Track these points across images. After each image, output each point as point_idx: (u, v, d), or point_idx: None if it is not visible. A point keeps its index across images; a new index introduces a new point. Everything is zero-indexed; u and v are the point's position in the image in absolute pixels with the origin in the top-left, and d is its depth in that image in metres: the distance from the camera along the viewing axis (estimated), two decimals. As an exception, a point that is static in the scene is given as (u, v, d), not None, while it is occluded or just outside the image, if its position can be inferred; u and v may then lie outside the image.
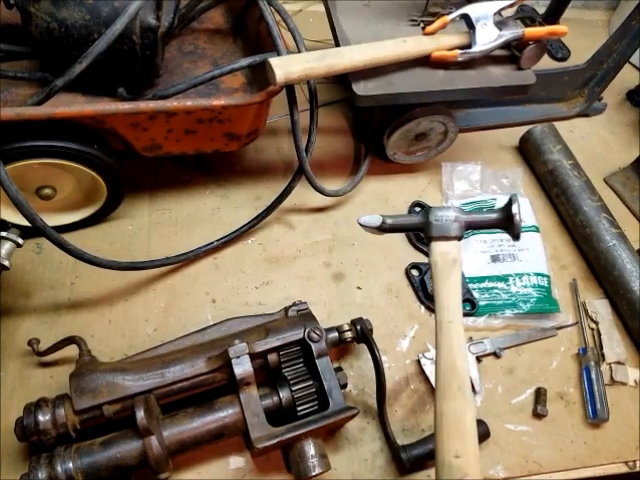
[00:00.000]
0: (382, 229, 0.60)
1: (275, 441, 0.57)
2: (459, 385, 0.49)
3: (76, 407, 0.56)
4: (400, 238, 0.87)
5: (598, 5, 1.35)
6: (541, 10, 1.13)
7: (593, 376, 0.76)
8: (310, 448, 0.59)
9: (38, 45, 0.71)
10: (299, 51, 0.75)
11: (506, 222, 0.59)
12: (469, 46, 0.77)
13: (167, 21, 0.77)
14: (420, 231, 0.60)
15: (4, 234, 0.62)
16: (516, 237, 0.59)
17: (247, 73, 0.87)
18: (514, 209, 0.57)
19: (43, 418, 0.55)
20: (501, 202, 0.91)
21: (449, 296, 0.54)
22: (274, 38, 0.72)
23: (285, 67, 0.66)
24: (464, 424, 0.47)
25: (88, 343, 0.64)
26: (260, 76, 0.84)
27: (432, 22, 0.77)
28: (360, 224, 0.60)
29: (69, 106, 0.63)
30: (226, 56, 0.90)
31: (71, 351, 0.64)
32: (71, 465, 0.54)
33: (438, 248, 0.56)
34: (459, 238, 0.57)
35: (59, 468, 0.53)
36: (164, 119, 0.68)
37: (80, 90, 0.76)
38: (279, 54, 0.71)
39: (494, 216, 0.59)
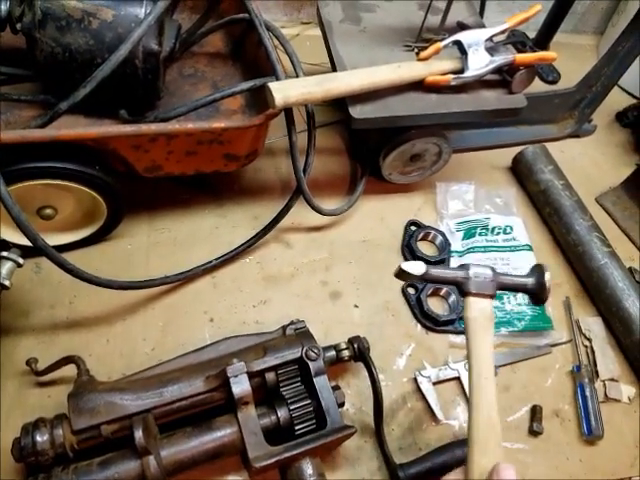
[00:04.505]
0: (424, 278, 0.59)
1: (273, 460, 0.58)
2: (497, 442, 0.51)
3: (74, 427, 0.56)
4: (396, 257, 0.89)
5: (587, 30, 1.39)
6: (532, 34, 1.16)
7: (587, 393, 0.77)
8: (308, 467, 0.60)
9: (42, 69, 0.73)
10: (297, 75, 0.77)
11: (538, 289, 0.59)
12: (462, 71, 0.79)
13: (168, 46, 0.79)
14: (457, 285, 0.59)
15: (5, 254, 0.62)
16: (542, 302, 0.60)
17: (246, 95, 0.89)
18: (547, 278, 0.58)
19: (41, 438, 0.55)
20: (495, 221, 0.92)
21: (487, 352, 0.55)
22: (273, 63, 0.74)
23: (284, 91, 0.67)
24: None
25: (86, 362, 0.64)
26: (258, 99, 0.86)
27: (426, 48, 0.80)
28: (402, 269, 0.58)
29: (72, 128, 0.64)
30: (225, 79, 0.92)
31: (69, 371, 0.64)
32: (69, 486, 0.54)
33: (477, 304, 0.57)
34: (493, 297, 0.58)
35: (57, 489, 0.53)
36: (165, 141, 0.70)
37: (82, 112, 0.77)
38: (278, 78, 0.73)
39: (527, 281, 0.59)
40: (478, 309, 0.57)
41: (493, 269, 0.59)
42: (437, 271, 0.59)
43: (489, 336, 0.56)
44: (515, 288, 0.61)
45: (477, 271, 0.58)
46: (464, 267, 0.59)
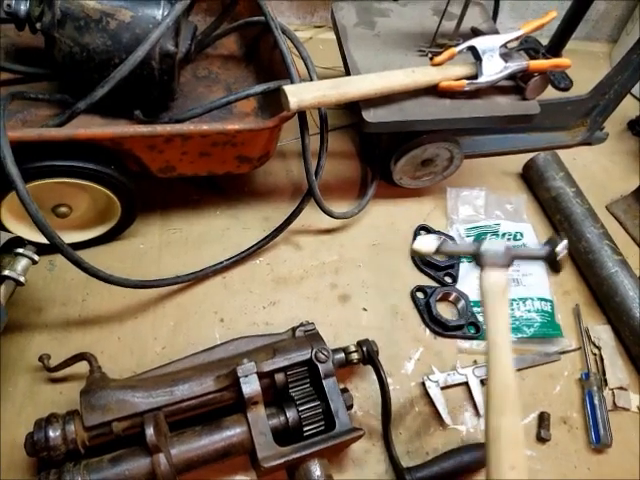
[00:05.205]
0: (439, 251, 0.62)
1: (282, 461, 0.58)
2: (514, 401, 0.52)
3: (86, 423, 0.56)
4: (406, 261, 0.89)
5: (600, 37, 1.39)
6: (544, 41, 1.16)
7: (596, 401, 0.76)
8: (316, 469, 0.60)
9: (60, 68, 0.74)
10: (311, 78, 0.78)
11: (550, 258, 0.61)
12: (476, 77, 0.79)
13: (184, 47, 0.79)
14: (473, 257, 0.62)
15: (21, 251, 0.63)
16: (557, 271, 0.62)
17: (259, 98, 0.90)
18: (559, 248, 0.60)
19: (53, 434, 0.56)
20: (505, 227, 0.92)
21: (503, 320, 0.57)
22: (288, 66, 0.75)
23: (299, 95, 0.68)
24: (519, 436, 0.50)
25: (98, 360, 0.65)
26: (271, 101, 0.86)
27: (440, 53, 0.80)
28: (413, 249, 0.62)
29: (89, 128, 0.65)
30: (239, 81, 0.93)
31: (81, 367, 0.65)
32: (80, 481, 0.54)
33: (491, 276, 0.59)
34: (508, 267, 0.60)
35: (68, 484, 0.54)
36: (180, 142, 0.70)
37: (98, 112, 0.78)
38: (292, 82, 0.74)
39: (541, 251, 0.62)
40: (492, 281, 0.58)
41: (507, 245, 0.61)
42: (451, 247, 0.64)
43: (504, 306, 0.57)
44: (529, 257, 0.64)
45: (490, 245, 0.60)
46: (478, 242, 0.61)
